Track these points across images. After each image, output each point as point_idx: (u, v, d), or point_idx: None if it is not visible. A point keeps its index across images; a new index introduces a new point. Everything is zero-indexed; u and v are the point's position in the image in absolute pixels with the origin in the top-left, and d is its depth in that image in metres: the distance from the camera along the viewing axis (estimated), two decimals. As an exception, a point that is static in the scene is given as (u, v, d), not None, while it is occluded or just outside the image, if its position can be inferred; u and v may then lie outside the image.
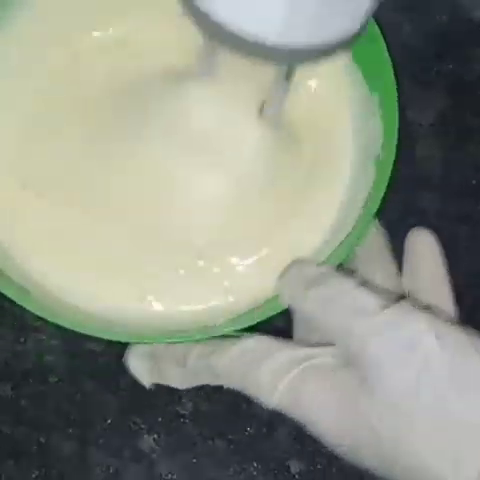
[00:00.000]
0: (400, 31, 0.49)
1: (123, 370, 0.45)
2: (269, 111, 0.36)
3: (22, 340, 0.46)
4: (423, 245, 0.39)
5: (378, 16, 0.48)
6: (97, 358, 0.45)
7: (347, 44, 0.29)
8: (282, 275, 0.36)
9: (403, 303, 0.32)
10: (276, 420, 0.46)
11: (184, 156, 0.37)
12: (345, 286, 0.33)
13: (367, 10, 0.28)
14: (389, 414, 0.31)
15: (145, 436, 0.45)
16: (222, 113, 0.37)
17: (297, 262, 0.37)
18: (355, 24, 0.28)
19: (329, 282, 0.34)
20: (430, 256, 0.38)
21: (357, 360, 0.32)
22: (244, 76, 0.36)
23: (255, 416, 0.46)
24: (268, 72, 0.34)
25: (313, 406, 0.33)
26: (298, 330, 0.38)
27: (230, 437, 0.46)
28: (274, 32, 0.27)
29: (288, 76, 0.33)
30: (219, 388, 0.44)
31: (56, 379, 0.45)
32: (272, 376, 0.33)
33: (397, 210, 0.45)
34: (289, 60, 0.29)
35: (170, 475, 0.45)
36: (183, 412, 0.45)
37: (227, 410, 0.46)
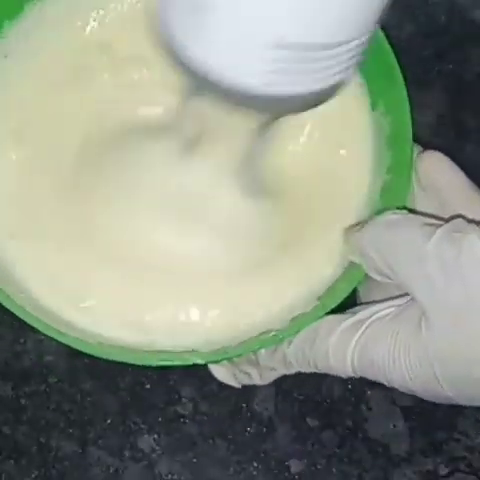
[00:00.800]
0: (400, 31, 0.49)
1: (123, 370, 0.46)
2: (249, 166, 0.36)
3: (22, 340, 0.46)
4: (440, 167, 0.36)
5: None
6: (97, 358, 0.45)
7: (332, 93, 0.28)
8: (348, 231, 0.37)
9: (455, 221, 0.32)
10: (276, 420, 0.46)
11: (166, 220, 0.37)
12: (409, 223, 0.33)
13: (357, 60, 0.28)
14: (451, 334, 0.31)
15: (145, 436, 0.45)
16: (202, 180, 0.37)
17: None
18: (343, 74, 0.28)
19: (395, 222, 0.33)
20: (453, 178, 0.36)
21: (410, 290, 0.32)
22: (222, 137, 0.35)
23: (255, 416, 0.46)
24: (242, 132, 0.34)
25: (382, 359, 0.33)
26: (362, 295, 0.38)
27: (230, 437, 0.46)
28: (259, 82, 0.26)
29: (264, 131, 0.33)
30: (219, 388, 0.45)
31: (56, 379, 0.45)
32: (340, 345, 0.34)
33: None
34: (273, 109, 0.28)
35: (170, 475, 0.45)
36: (183, 412, 0.45)
37: (227, 410, 0.46)
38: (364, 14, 0.26)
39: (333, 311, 0.35)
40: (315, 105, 0.29)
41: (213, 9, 0.25)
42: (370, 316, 0.34)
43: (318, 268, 0.38)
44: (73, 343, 0.34)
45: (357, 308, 0.35)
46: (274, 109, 0.28)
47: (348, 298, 0.35)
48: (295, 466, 0.45)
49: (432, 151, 0.37)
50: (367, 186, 0.38)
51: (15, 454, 0.45)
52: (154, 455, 0.45)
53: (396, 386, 0.33)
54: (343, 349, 0.34)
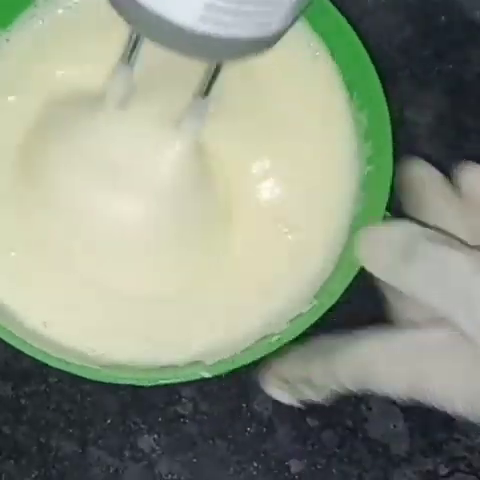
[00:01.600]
0: (400, 31, 0.49)
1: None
2: (186, 126, 0.34)
3: (22, 340, 0.46)
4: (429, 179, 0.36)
5: (378, 16, 0.49)
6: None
7: (270, 42, 0.28)
8: (365, 240, 0.34)
9: None
10: (276, 420, 0.46)
11: (101, 183, 0.35)
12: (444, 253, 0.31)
13: (295, 9, 0.27)
14: None
15: (145, 436, 0.45)
16: (137, 133, 0.35)
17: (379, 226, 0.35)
18: (281, 21, 0.27)
19: (427, 251, 0.32)
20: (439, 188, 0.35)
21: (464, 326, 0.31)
22: (159, 94, 0.34)
23: (255, 416, 0.46)
24: (185, 89, 0.33)
25: (438, 388, 0.32)
26: (396, 310, 0.36)
27: (230, 437, 0.46)
28: (194, 17, 0.25)
29: (206, 91, 0.33)
30: (219, 388, 0.45)
31: (56, 379, 0.45)
32: (391, 371, 0.33)
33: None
34: (208, 52, 0.27)
35: (170, 475, 0.45)
36: (183, 412, 0.45)
37: (227, 410, 0.46)
38: None
39: (329, 309, 0.35)
40: (251, 54, 0.27)
41: None
42: (418, 346, 0.33)
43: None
44: (75, 370, 0.35)
45: (395, 332, 0.34)
46: (207, 53, 0.27)
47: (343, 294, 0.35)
48: (295, 466, 0.45)
49: (474, 164, 0.35)
50: (351, 180, 0.38)
51: (15, 454, 0.45)
52: (154, 455, 0.45)
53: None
54: (395, 380, 0.33)
